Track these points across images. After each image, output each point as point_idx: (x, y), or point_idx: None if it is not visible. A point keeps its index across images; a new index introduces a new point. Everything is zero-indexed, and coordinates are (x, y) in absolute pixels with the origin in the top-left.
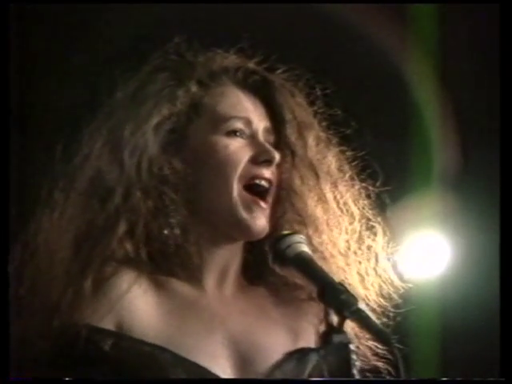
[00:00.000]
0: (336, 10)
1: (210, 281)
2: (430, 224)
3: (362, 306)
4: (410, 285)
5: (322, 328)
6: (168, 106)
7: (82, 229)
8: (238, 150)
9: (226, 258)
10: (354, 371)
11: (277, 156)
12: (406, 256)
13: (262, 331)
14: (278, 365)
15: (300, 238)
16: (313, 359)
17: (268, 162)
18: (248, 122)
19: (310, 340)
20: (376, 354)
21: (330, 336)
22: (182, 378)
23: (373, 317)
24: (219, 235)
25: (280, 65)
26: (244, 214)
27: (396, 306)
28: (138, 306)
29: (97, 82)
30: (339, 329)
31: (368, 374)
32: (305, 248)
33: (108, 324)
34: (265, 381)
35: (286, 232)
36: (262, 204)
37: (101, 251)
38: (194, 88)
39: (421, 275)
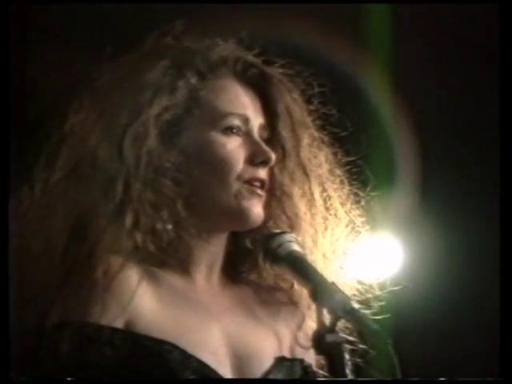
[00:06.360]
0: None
1: (199, 274)
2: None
3: (356, 305)
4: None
5: (303, 332)
6: (168, 97)
7: (79, 216)
8: (235, 149)
9: (214, 253)
10: (347, 371)
11: (273, 156)
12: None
13: (252, 332)
14: (271, 370)
15: (291, 236)
16: (298, 369)
17: (265, 163)
18: (245, 120)
19: (288, 345)
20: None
21: (322, 335)
22: (184, 379)
23: (368, 316)
24: (210, 228)
25: (278, 59)
26: (244, 203)
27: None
28: (144, 301)
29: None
30: (332, 328)
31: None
32: (296, 247)
33: (118, 323)
34: (265, 380)
35: (276, 231)
36: (259, 192)
37: (108, 242)
38: (193, 79)
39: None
